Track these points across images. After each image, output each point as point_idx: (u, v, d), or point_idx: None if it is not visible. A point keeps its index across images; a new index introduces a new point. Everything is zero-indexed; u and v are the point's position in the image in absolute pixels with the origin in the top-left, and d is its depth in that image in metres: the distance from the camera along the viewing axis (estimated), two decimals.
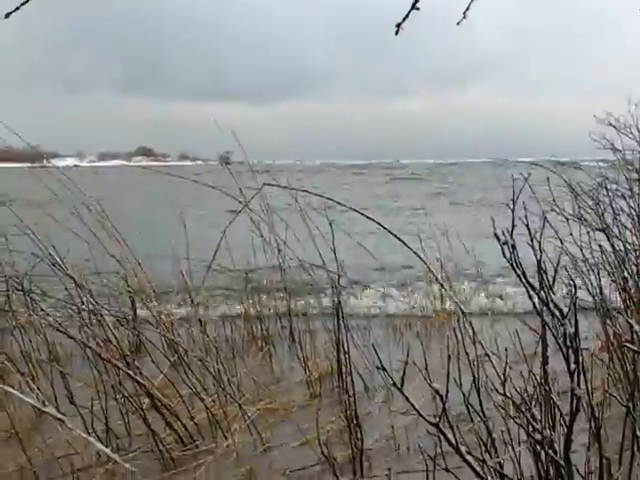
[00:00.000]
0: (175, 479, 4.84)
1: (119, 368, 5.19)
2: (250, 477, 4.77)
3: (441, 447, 3.15)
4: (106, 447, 4.41)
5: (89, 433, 5.15)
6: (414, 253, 3.34)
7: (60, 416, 2.83)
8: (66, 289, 6.12)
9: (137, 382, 5.20)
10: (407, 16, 2.13)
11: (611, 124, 8.29)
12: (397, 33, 2.15)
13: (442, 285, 4.04)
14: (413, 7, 2.12)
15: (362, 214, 3.59)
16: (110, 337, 5.48)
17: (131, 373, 5.15)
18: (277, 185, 4.83)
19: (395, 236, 3.42)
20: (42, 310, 5.93)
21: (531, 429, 3.04)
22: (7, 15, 2.15)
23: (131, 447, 5.30)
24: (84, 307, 5.69)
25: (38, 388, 5.63)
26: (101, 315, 5.56)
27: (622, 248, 8.00)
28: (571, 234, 6.78)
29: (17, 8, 2.15)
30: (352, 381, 5.12)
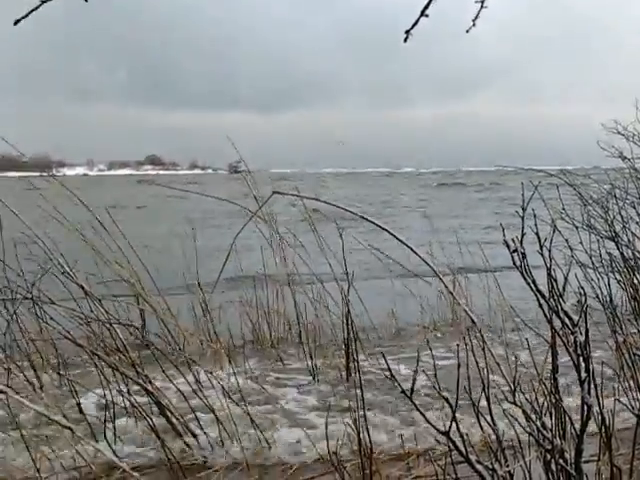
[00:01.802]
0: None
1: (128, 377, 5.18)
2: None
3: (451, 456, 3.13)
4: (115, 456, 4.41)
5: (97, 442, 5.15)
6: (424, 261, 3.32)
7: (69, 424, 2.83)
8: (74, 299, 6.11)
9: (146, 391, 5.18)
10: (416, 23, 2.12)
11: (619, 132, 8.28)
12: (406, 40, 2.14)
13: (452, 293, 4.02)
14: (422, 14, 2.12)
15: (374, 223, 3.58)
16: (119, 346, 5.46)
17: (140, 382, 5.14)
18: (287, 193, 4.81)
19: (407, 245, 3.40)
20: (51, 319, 5.92)
21: (541, 438, 3.03)
22: (16, 22, 2.14)
23: (140, 457, 5.28)
24: (94, 316, 5.68)
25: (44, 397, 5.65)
26: (110, 324, 5.54)
27: (631, 256, 7.98)
28: (581, 242, 6.76)
29: (26, 15, 2.15)
30: (362, 389, 5.10)
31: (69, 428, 2.90)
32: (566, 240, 6.17)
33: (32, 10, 2.09)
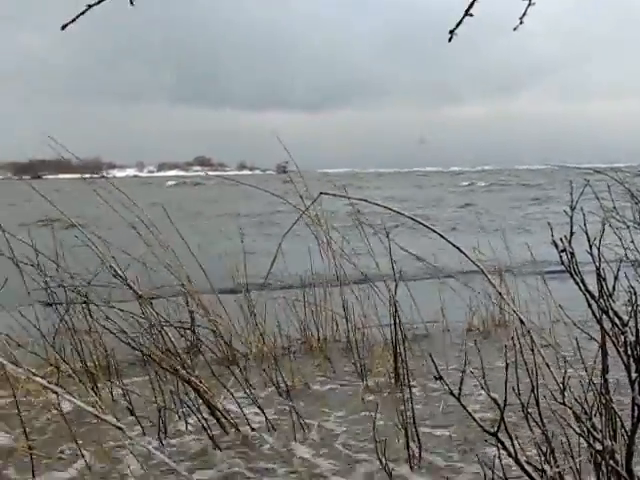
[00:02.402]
0: None
1: (180, 377, 5.21)
2: None
3: (500, 457, 3.11)
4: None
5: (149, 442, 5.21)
6: (468, 258, 3.30)
7: (119, 424, 2.86)
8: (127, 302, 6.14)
9: (197, 391, 5.23)
10: (460, 22, 2.11)
11: None
12: (450, 40, 2.13)
13: (500, 294, 3.98)
14: (467, 13, 2.10)
15: (421, 223, 3.57)
16: (170, 347, 5.49)
17: (192, 380, 5.18)
18: (334, 194, 4.81)
19: (451, 243, 3.39)
20: (107, 318, 5.96)
21: (592, 439, 3.00)
22: (63, 27, 2.17)
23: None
24: (150, 318, 5.70)
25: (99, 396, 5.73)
26: (162, 327, 5.57)
27: None
28: (632, 241, 6.69)
29: (74, 20, 2.18)
30: (410, 390, 5.09)
31: (120, 428, 2.91)
32: (620, 238, 6.11)
33: (79, 15, 2.12)
